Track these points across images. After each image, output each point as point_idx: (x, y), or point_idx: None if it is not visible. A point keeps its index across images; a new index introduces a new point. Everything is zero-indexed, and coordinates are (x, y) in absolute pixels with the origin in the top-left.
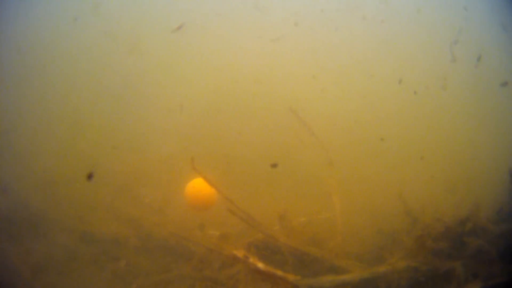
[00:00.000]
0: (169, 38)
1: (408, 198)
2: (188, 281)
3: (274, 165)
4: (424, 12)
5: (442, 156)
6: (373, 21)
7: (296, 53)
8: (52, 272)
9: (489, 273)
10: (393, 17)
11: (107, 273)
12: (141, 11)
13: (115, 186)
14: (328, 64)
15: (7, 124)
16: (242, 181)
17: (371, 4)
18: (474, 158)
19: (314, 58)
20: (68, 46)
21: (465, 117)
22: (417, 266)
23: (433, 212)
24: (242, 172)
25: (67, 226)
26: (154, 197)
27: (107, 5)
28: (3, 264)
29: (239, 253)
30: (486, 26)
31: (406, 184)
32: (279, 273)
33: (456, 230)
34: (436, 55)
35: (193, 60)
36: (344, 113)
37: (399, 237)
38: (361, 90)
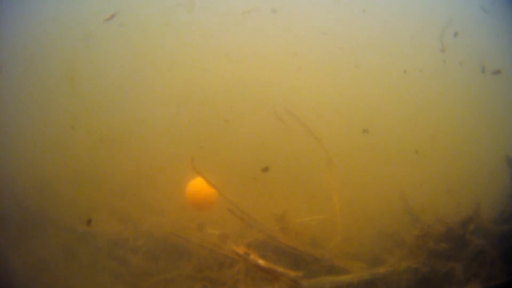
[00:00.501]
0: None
1: (408, 197)
2: (188, 281)
3: (265, 169)
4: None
5: (439, 152)
6: (357, 9)
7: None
8: (52, 272)
9: (489, 274)
10: (377, 4)
11: (106, 273)
12: None
13: (114, 186)
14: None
15: (6, 125)
16: (241, 181)
17: None
18: (471, 153)
19: (294, 42)
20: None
21: (453, 106)
22: (418, 267)
23: (434, 212)
24: (242, 172)
25: (67, 226)
26: (153, 197)
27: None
28: (3, 264)
29: (240, 250)
30: (466, 9)
31: (406, 184)
32: (280, 269)
33: (457, 231)
34: (424, 43)
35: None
36: (333, 104)
37: (399, 238)
38: (349, 81)
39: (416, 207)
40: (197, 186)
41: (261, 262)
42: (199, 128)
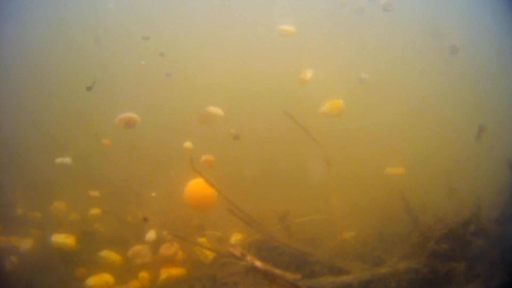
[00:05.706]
0: None
1: (409, 198)
2: (188, 281)
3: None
4: None
5: (440, 153)
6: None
7: None
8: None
9: (490, 274)
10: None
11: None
12: None
13: (114, 187)
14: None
15: (5, 126)
16: (242, 182)
17: None
18: (472, 155)
19: None
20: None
21: (454, 109)
22: (418, 268)
23: (434, 213)
24: (242, 172)
25: (67, 227)
26: (153, 197)
27: None
28: (3, 264)
29: (236, 251)
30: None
31: (406, 184)
32: (278, 271)
33: (457, 231)
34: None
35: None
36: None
37: (400, 238)
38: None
39: (416, 207)
40: (197, 186)
41: (258, 263)
42: (199, 128)
